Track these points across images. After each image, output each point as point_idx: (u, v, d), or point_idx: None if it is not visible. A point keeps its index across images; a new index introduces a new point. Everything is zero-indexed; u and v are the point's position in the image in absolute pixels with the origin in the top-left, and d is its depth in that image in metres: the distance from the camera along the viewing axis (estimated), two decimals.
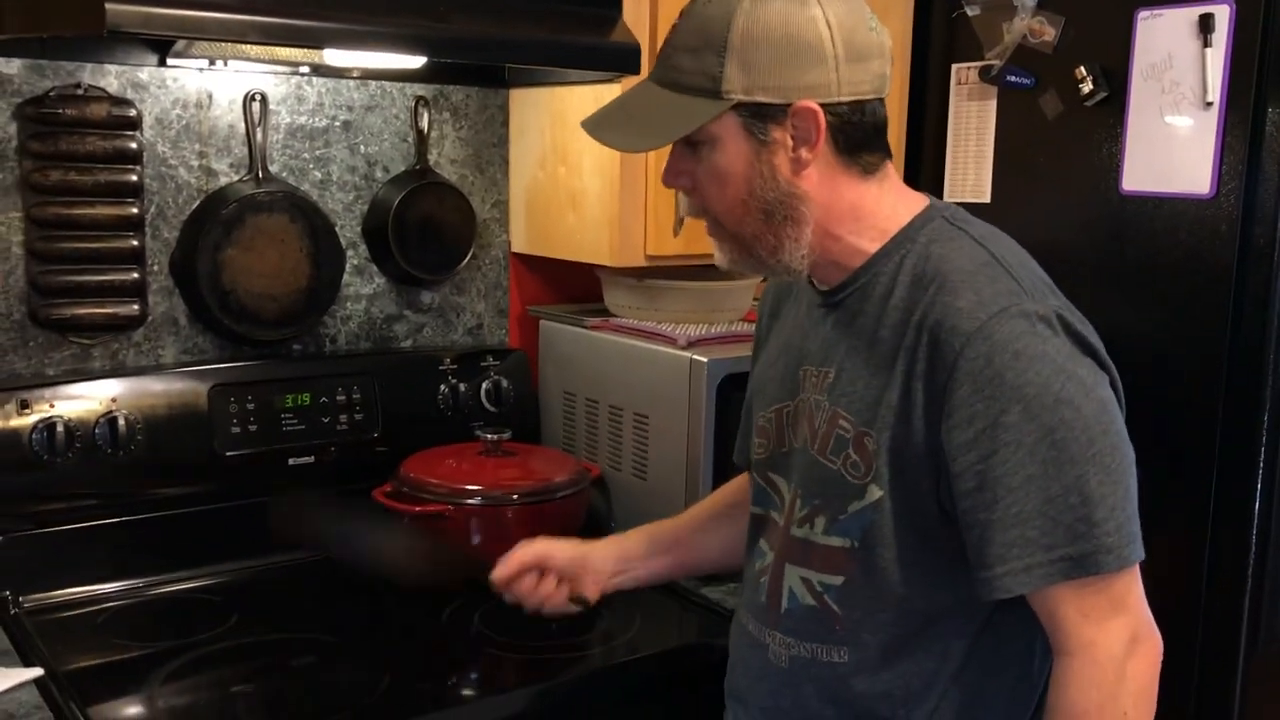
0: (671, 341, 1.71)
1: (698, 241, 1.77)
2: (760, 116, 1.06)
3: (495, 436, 1.71)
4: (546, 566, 1.35)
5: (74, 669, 1.35)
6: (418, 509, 1.60)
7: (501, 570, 1.35)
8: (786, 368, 1.20)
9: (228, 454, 1.66)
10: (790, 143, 1.06)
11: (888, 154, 1.12)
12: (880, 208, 1.11)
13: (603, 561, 1.37)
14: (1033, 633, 1.08)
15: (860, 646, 1.10)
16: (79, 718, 1.23)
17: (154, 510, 1.62)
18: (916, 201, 1.14)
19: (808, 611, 1.13)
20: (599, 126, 1.12)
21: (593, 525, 1.76)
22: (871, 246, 1.11)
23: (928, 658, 1.09)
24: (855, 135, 1.08)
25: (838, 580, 1.11)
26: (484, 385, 1.89)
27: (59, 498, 1.56)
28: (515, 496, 1.63)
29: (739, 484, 1.41)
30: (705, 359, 1.64)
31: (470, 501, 1.61)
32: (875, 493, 1.07)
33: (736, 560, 1.39)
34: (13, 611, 1.50)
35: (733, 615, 1.33)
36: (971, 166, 1.91)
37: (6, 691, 1.26)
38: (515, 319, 2.04)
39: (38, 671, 1.30)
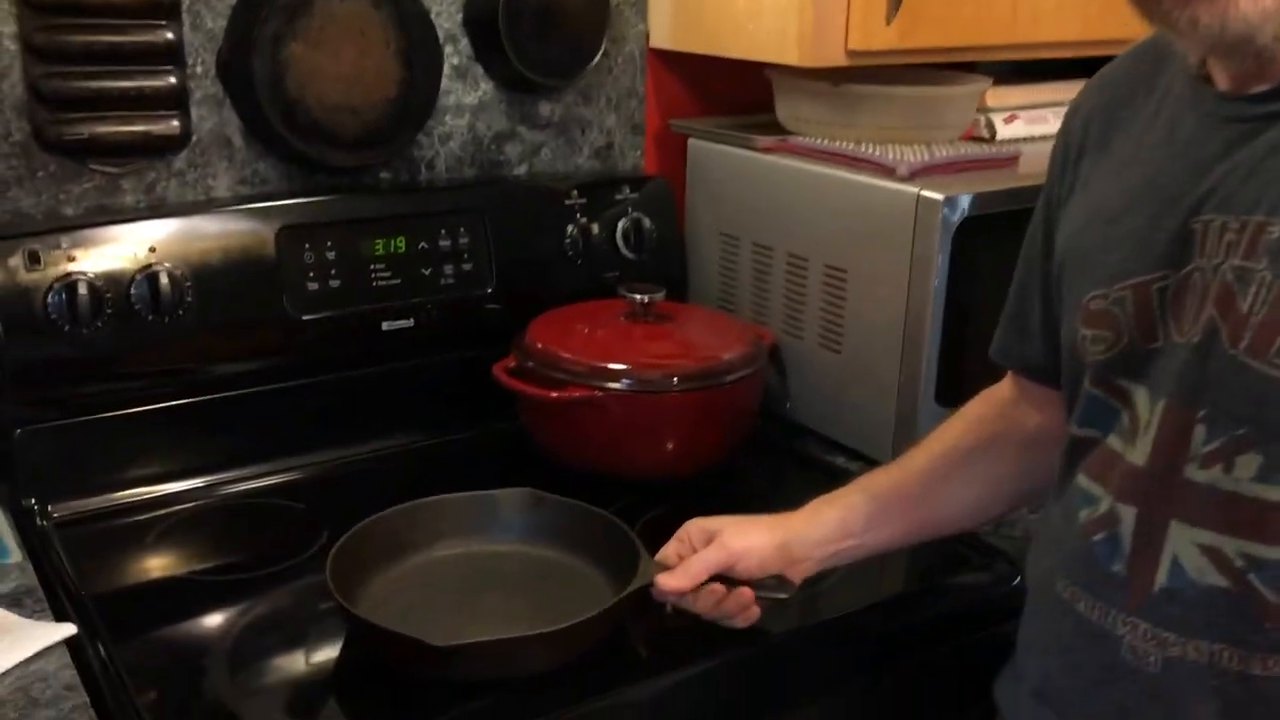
0: (887, 171, 1.27)
1: (917, 30, 1.32)
2: None
3: (645, 296, 1.31)
4: (737, 574, 0.95)
5: (120, 617, 1.01)
6: (555, 394, 1.22)
7: (677, 580, 0.94)
8: (1154, 219, 0.78)
9: (304, 317, 1.28)
10: None
11: None
12: None
13: (811, 547, 0.98)
14: None
15: None
16: (131, 711, 0.89)
17: (212, 391, 1.25)
18: None
19: (1209, 595, 0.74)
20: None
21: (764, 408, 1.37)
22: None
23: None
24: None
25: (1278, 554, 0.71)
26: (621, 224, 1.47)
27: (89, 379, 1.19)
28: (675, 380, 1.24)
29: (989, 406, 1.02)
30: (939, 195, 1.21)
31: (616, 385, 1.22)
32: None
33: (989, 517, 1.04)
34: (40, 524, 1.16)
35: (1022, 569, 0.95)
36: None
37: (28, 661, 0.92)
38: (652, 137, 1.60)
39: (69, 630, 0.96)
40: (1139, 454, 0.78)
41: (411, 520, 1.09)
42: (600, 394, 1.21)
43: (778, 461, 1.37)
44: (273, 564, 1.11)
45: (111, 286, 1.17)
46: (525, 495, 1.12)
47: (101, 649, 0.96)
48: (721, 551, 0.95)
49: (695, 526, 0.98)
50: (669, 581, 0.94)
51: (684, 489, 1.25)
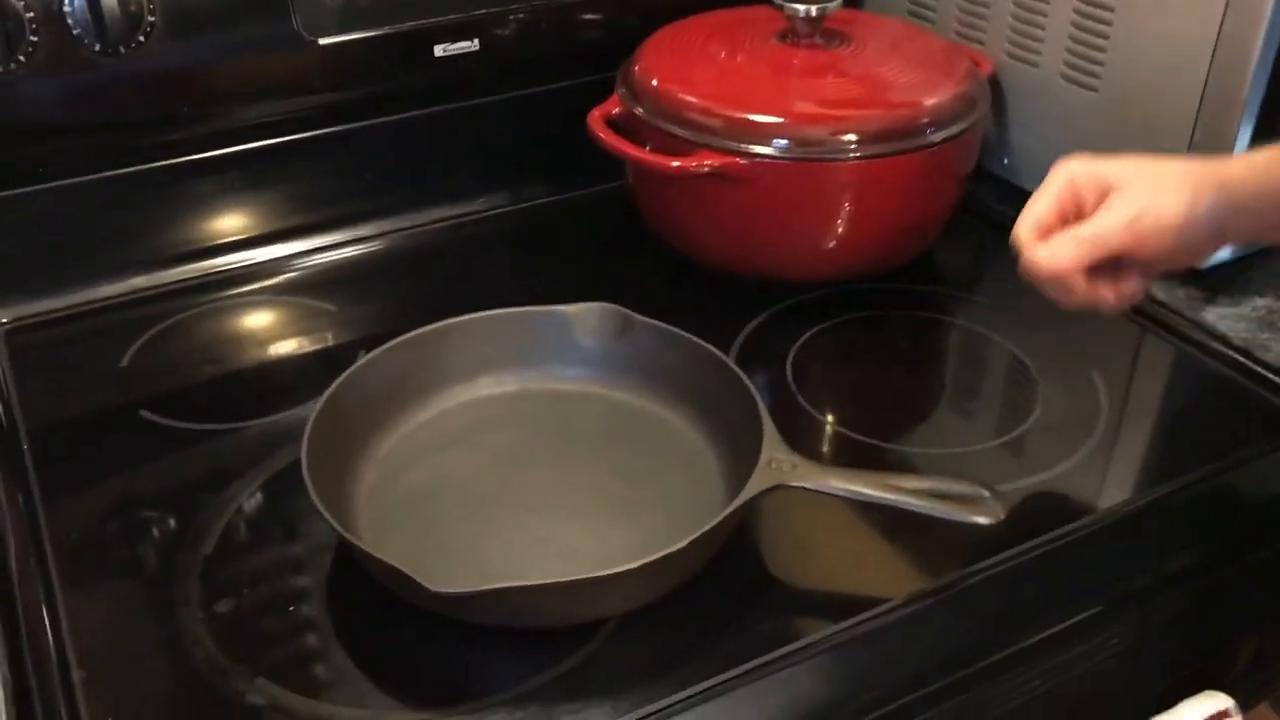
0: None
1: None
2: None
3: (811, 6, 0.89)
4: (1138, 257, 0.63)
5: (63, 478, 0.72)
6: (676, 162, 0.84)
7: (1053, 259, 0.63)
8: None
9: (322, 41, 0.90)
10: None
11: None
12: None
13: (1250, 203, 0.62)
14: None
15: None
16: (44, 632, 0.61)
17: (199, 150, 0.91)
18: None
19: None
20: None
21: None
22: None
23: None
24: None
25: None
26: None
27: (24, 138, 0.86)
28: (854, 140, 0.83)
29: None
30: None
31: (765, 150, 0.83)
32: None
33: None
34: None
35: None
36: None
37: None
38: None
39: None
40: None
41: (441, 347, 0.76)
42: (742, 162, 0.82)
43: (993, 247, 0.97)
44: (286, 402, 0.80)
45: (35, 5, 0.81)
46: (606, 314, 0.77)
47: (28, 524, 0.68)
48: (1122, 228, 0.62)
49: (1084, 171, 0.65)
50: (1042, 259, 0.63)
51: (856, 293, 0.89)
